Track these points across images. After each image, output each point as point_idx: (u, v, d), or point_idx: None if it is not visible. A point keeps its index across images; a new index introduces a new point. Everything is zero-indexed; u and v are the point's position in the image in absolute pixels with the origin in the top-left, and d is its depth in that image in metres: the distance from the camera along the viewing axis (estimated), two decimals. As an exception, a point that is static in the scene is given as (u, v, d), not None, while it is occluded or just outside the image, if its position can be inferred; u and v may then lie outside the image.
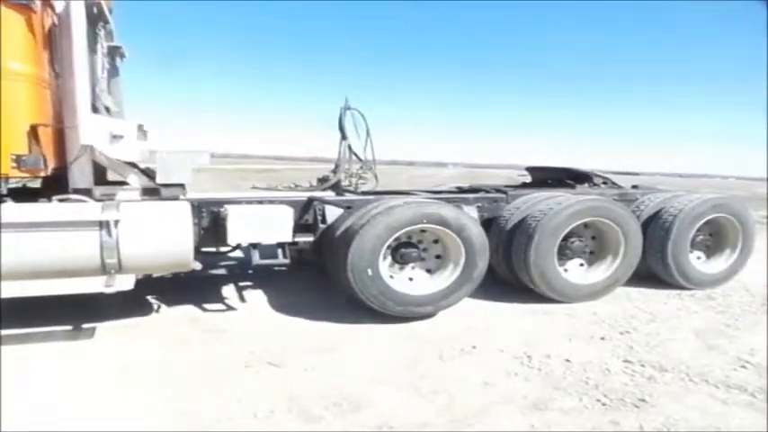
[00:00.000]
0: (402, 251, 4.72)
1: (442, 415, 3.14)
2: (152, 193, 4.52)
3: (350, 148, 5.63)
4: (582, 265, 5.54)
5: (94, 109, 4.23)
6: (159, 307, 4.95)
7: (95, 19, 4.28)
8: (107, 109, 5.24)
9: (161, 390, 3.32)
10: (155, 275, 5.75)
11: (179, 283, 5.71)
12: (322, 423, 3.02)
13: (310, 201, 4.98)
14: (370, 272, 4.42)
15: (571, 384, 3.55)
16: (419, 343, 4.21)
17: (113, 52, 5.52)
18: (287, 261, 4.70)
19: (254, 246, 4.60)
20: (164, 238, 4.09)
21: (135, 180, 4.57)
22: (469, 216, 4.92)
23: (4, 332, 4.05)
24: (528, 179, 7.58)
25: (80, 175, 4.31)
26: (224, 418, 3.02)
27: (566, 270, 5.40)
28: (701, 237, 6.08)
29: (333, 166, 5.90)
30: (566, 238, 5.23)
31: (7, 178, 3.84)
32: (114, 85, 5.72)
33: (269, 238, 4.61)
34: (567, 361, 3.90)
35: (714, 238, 6.24)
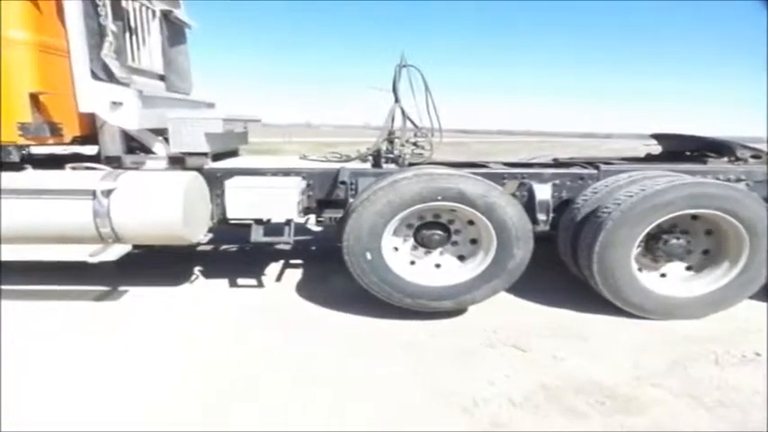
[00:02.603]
0: (423, 233, 4.00)
1: (737, 433, 2.61)
2: (178, 162, 4.41)
3: (403, 112, 4.75)
4: (681, 270, 4.09)
5: (98, 76, 4.04)
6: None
7: None
8: (161, 75, 5.03)
9: (411, 365, 3.27)
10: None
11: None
12: (589, 421, 2.70)
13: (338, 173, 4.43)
14: (369, 255, 3.78)
15: None
16: (682, 342, 3.59)
17: (169, 17, 5.37)
18: (290, 240, 4.21)
19: (258, 221, 4.17)
20: (154, 208, 3.88)
21: (161, 149, 4.48)
22: (503, 194, 3.85)
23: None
24: (658, 149, 5.89)
25: (111, 142, 4.32)
26: (480, 400, 2.89)
27: (662, 276, 4.06)
28: None
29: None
30: (660, 235, 3.93)
31: (20, 146, 3.98)
32: (175, 53, 5.55)
33: (269, 215, 4.17)
34: None
35: None
